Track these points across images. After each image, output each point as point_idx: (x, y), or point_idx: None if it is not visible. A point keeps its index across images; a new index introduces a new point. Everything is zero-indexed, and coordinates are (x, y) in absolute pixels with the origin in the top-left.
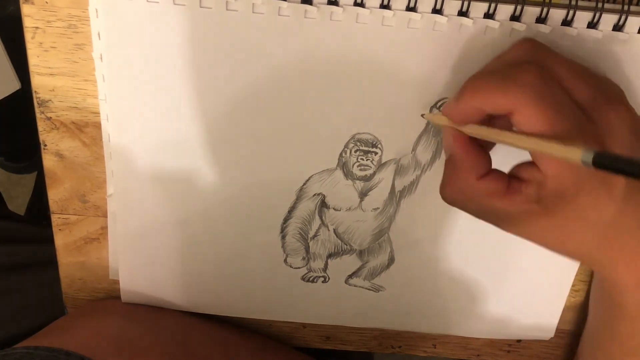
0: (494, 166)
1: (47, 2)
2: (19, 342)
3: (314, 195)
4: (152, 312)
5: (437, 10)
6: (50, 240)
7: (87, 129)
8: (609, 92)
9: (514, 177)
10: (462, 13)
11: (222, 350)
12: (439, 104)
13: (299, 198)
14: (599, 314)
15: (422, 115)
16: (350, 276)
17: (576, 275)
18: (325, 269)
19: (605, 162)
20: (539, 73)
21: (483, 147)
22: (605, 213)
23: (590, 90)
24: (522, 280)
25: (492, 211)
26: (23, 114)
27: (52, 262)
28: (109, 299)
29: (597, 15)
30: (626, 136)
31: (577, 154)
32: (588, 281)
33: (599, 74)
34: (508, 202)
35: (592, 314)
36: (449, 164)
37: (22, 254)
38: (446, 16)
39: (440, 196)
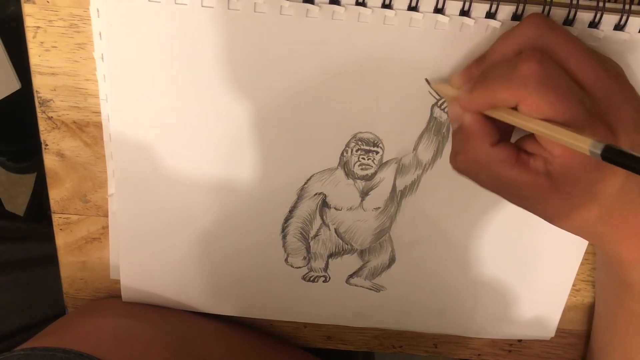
0: None
1: (48, 2)
2: (18, 336)
3: (315, 194)
4: (153, 310)
5: (438, 10)
6: (49, 237)
7: (88, 129)
8: (612, 71)
9: (520, 149)
10: (464, 12)
11: (224, 345)
12: (440, 102)
13: (300, 197)
14: (607, 295)
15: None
16: (351, 276)
17: (577, 274)
18: (326, 268)
19: (612, 157)
20: (539, 60)
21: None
22: (610, 188)
23: (595, 69)
24: (522, 280)
25: (503, 180)
26: (23, 114)
27: (51, 258)
28: (109, 298)
29: (598, 14)
30: (631, 114)
31: (585, 144)
32: (590, 281)
33: (601, 53)
34: (517, 171)
35: (600, 298)
36: (460, 134)
37: (21, 251)
38: (448, 16)
39: (440, 196)
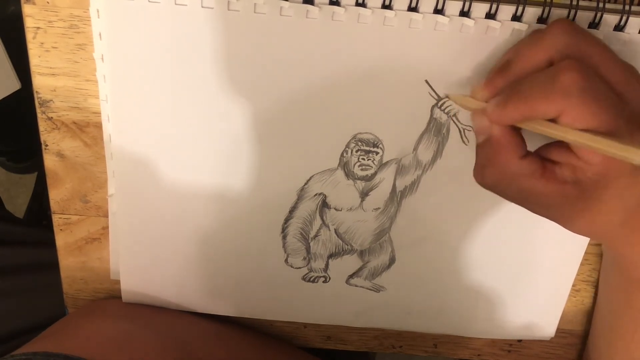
0: None
1: (48, 3)
2: (18, 339)
3: (315, 195)
4: (153, 311)
5: (438, 11)
6: (49, 242)
7: (88, 129)
8: (635, 73)
9: (545, 159)
10: (464, 13)
11: (224, 347)
12: (440, 103)
13: (300, 198)
14: (613, 296)
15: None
16: (351, 276)
17: (577, 275)
18: (326, 269)
19: None
20: (580, 70)
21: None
22: (638, 190)
23: (626, 75)
24: (522, 280)
25: (532, 192)
26: (24, 115)
27: (52, 264)
28: (109, 299)
29: (598, 15)
30: None
31: (633, 154)
32: (590, 281)
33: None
34: (545, 182)
35: (605, 298)
36: (486, 147)
37: (22, 256)
38: (448, 16)
39: (440, 196)
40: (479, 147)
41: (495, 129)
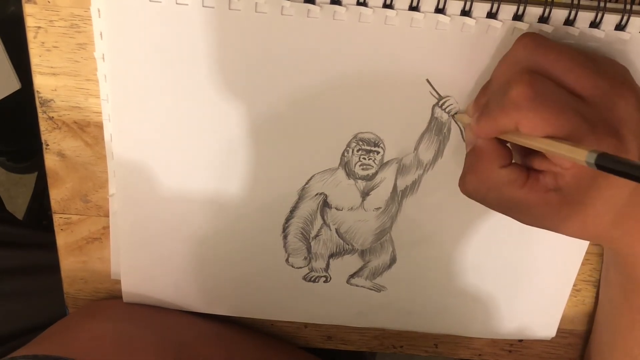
0: None
1: (49, 2)
2: (19, 338)
3: (316, 194)
4: (153, 311)
5: (439, 10)
6: (49, 244)
7: (89, 129)
8: (612, 76)
9: (530, 169)
10: (465, 12)
11: (224, 348)
12: (441, 102)
13: (301, 198)
14: (614, 294)
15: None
16: (351, 276)
17: (578, 274)
18: (326, 268)
19: (607, 165)
20: (528, 82)
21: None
22: (623, 191)
23: (592, 78)
24: (523, 280)
25: (512, 200)
26: (24, 114)
27: (52, 267)
28: (110, 299)
29: (600, 14)
30: (636, 118)
31: (582, 156)
32: (591, 281)
33: (601, 58)
34: (527, 190)
35: (606, 296)
36: (471, 155)
37: (22, 258)
38: (449, 16)
39: (441, 196)
40: (466, 156)
41: (479, 140)
